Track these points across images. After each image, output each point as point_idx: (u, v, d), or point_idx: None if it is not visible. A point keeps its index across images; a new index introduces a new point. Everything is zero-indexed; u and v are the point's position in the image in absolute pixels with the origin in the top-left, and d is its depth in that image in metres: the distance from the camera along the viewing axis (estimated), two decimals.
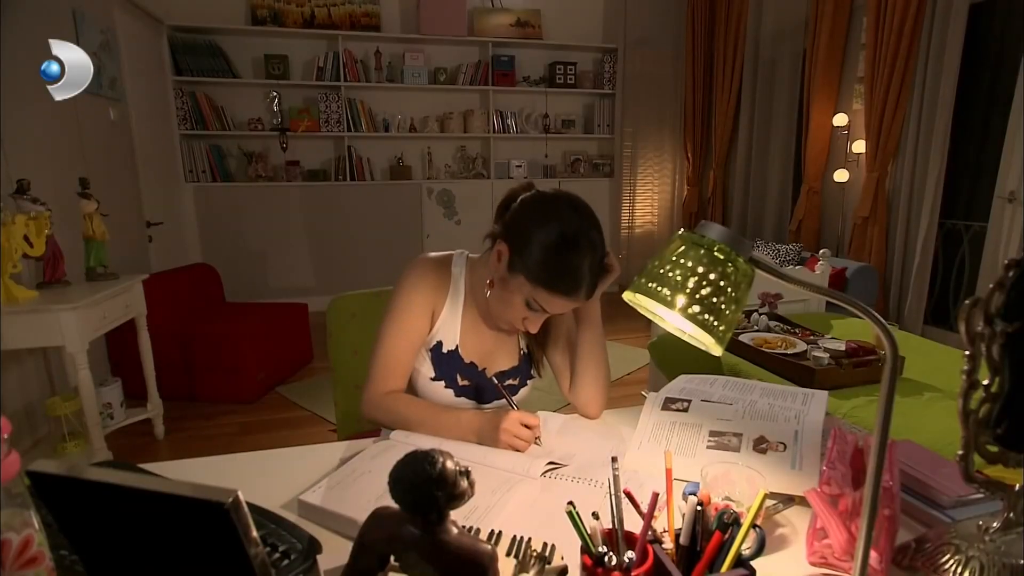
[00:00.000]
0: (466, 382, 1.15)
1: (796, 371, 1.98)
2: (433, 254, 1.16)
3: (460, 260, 1.16)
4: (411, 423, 1.04)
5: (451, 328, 1.13)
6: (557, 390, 1.19)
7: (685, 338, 0.67)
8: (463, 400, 1.15)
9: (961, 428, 0.63)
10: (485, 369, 1.15)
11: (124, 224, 3.22)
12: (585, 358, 1.12)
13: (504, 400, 1.09)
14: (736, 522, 0.60)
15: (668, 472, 0.67)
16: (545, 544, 0.71)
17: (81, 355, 2.10)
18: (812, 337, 2.26)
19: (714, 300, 0.58)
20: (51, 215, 2.16)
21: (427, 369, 1.13)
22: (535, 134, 5.23)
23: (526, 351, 1.21)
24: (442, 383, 1.13)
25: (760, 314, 2.49)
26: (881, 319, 0.55)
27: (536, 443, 1.00)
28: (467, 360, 1.14)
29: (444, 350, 1.13)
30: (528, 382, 1.22)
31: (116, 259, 2.54)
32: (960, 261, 3.48)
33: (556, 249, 0.96)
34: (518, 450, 0.96)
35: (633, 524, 0.61)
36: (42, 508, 0.47)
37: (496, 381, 1.08)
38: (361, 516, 0.62)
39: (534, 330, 1.07)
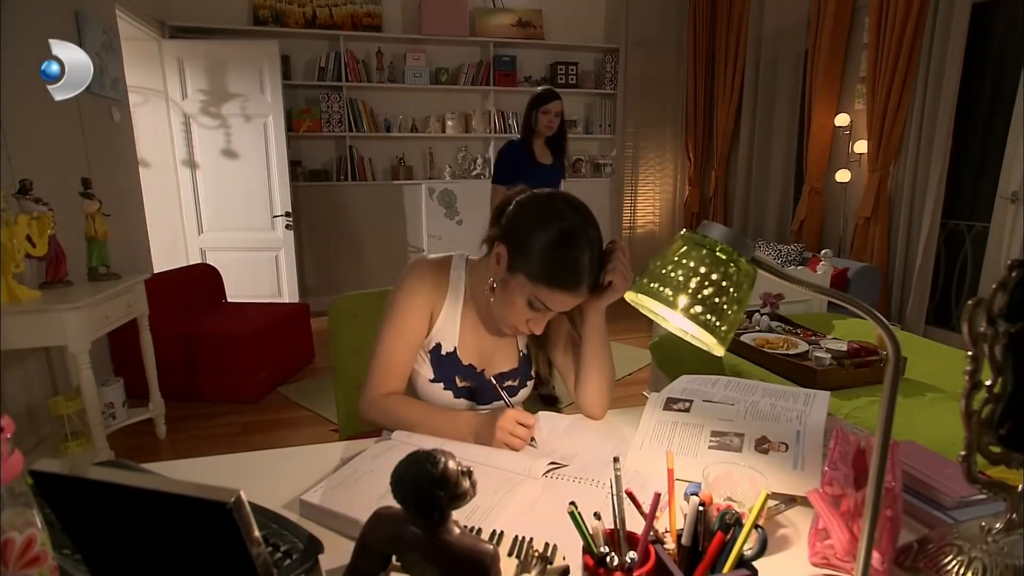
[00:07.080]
0: (465, 384, 1.15)
1: (798, 371, 1.98)
2: (432, 256, 1.16)
3: (459, 262, 1.16)
4: (408, 424, 1.04)
5: (450, 330, 1.13)
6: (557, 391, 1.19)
7: (687, 338, 0.67)
8: (462, 401, 1.15)
9: (964, 429, 0.63)
10: (484, 370, 1.15)
11: (126, 224, 3.23)
12: (590, 366, 1.12)
13: (503, 402, 1.09)
14: (738, 522, 0.60)
15: (670, 472, 0.67)
16: (547, 544, 0.71)
17: (83, 355, 2.11)
18: (814, 337, 2.26)
19: (716, 300, 0.57)
20: (53, 215, 2.17)
21: (426, 371, 1.13)
22: None
23: (525, 352, 1.21)
24: (441, 384, 1.13)
25: (762, 314, 2.49)
26: (883, 319, 0.54)
27: (531, 444, 0.99)
28: (466, 362, 1.14)
29: (443, 352, 1.13)
30: (528, 383, 1.22)
31: (118, 259, 2.55)
32: (962, 261, 3.48)
33: (555, 245, 0.96)
34: (514, 448, 0.96)
35: (635, 524, 0.61)
36: (45, 507, 0.47)
37: (495, 382, 1.08)
38: (363, 516, 0.62)
39: (538, 331, 1.07)
